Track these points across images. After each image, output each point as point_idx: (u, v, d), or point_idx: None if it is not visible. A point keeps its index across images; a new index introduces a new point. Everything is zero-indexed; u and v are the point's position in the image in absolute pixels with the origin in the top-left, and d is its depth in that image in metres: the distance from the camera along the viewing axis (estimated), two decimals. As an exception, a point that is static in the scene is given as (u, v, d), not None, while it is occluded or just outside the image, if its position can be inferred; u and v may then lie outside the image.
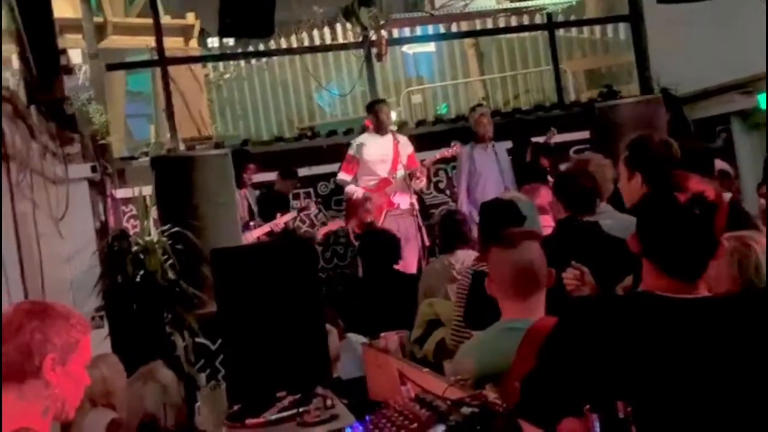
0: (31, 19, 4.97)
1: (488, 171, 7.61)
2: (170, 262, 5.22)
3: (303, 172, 8.08)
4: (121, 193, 7.34)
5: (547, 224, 3.89)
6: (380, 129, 7.43)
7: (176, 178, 5.48)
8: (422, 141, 8.09)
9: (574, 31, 11.17)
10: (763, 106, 7.68)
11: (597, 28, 11.18)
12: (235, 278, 3.45)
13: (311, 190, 8.22)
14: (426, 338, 3.50)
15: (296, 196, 8.09)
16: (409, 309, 4.44)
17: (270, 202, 7.66)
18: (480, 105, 8.44)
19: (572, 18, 10.18)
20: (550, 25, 9.19)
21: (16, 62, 4.97)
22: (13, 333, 1.94)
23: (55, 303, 2.11)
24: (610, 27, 10.87)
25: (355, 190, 7.49)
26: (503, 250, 2.71)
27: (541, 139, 7.87)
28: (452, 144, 7.62)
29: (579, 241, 3.15)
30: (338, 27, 11.02)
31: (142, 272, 5.22)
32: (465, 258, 4.38)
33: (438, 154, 7.66)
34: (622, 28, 10.16)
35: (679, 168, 3.77)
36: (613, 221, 3.52)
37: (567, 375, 1.94)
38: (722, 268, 2.44)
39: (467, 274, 3.62)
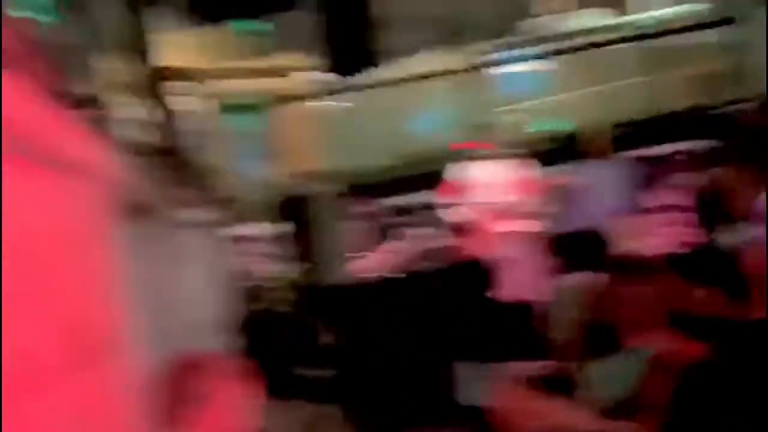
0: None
1: (606, 189, 7.40)
2: (293, 297, 5.39)
3: (406, 200, 8.16)
4: (238, 231, 7.59)
5: (654, 246, 3.83)
6: (484, 154, 7.42)
7: (296, 216, 5.67)
8: (528, 161, 8.02)
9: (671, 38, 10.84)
10: None
11: (694, 34, 10.82)
12: (356, 313, 3.56)
13: (413, 218, 8.28)
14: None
15: (401, 225, 8.15)
16: (521, 338, 4.40)
17: (381, 233, 7.78)
18: (589, 124, 8.33)
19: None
20: (649, 34, 8.95)
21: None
22: (168, 384, 2.05)
23: (204, 354, 2.22)
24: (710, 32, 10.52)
25: (461, 215, 7.47)
26: (635, 284, 2.70)
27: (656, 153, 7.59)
28: (567, 174, 7.48)
29: (706, 263, 3.08)
30: (437, 53, 11.08)
31: (266, 306, 5.40)
32: (590, 280, 4.32)
33: (555, 180, 7.51)
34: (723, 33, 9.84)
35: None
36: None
37: (715, 414, 1.89)
38: None
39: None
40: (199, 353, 2.35)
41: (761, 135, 5.66)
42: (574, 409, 2.49)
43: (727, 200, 3.55)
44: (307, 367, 5.36)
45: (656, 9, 6.59)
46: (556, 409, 2.41)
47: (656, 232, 4.44)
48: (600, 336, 3.44)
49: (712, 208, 3.52)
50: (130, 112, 5.09)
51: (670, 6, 6.76)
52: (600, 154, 7.54)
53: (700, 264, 3.29)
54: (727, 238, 3.53)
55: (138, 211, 3.47)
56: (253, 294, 5.49)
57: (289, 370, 5.35)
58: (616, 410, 2.67)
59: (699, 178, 3.97)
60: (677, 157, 7.59)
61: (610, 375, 2.78)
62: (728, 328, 2.24)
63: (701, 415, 1.93)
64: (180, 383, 2.11)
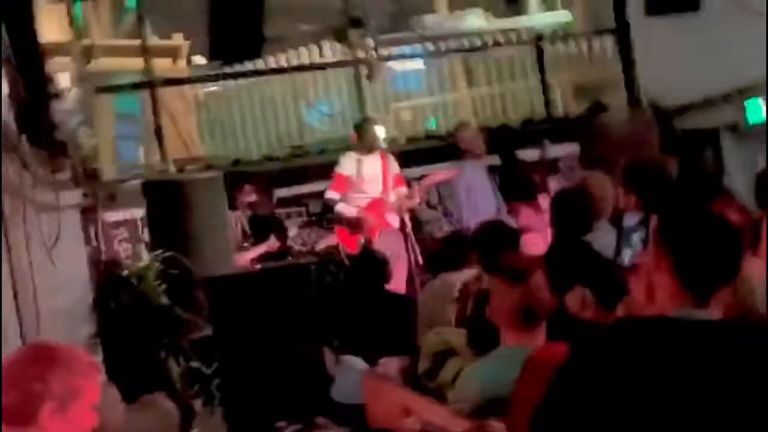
0: (19, 45, 4.94)
1: (480, 187, 7.60)
2: (163, 287, 5.19)
3: (294, 191, 8.05)
4: (111, 216, 7.28)
5: (531, 242, 3.90)
6: (368, 147, 7.40)
7: (168, 201, 5.46)
8: (412, 157, 8.08)
9: (561, 45, 11.19)
10: (751, 119, 7.71)
11: (584, 42, 11.21)
12: (232, 304, 3.44)
13: (303, 209, 8.19)
14: (435, 371, 3.46)
15: (288, 216, 8.07)
16: (402, 332, 4.40)
17: (261, 223, 7.62)
18: (465, 122, 8.44)
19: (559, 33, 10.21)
20: (538, 39, 9.22)
21: (5, 91, 4.93)
22: (14, 380, 1.92)
23: (62, 346, 2.10)
24: (597, 41, 10.91)
25: (346, 209, 7.44)
26: (511, 285, 2.69)
27: (534, 155, 7.82)
28: (454, 167, 7.55)
29: (571, 263, 3.12)
30: (326, 44, 11.01)
31: (135, 298, 5.19)
32: (465, 278, 4.34)
33: (437, 176, 7.57)
34: (610, 41, 10.19)
35: (677, 187, 3.80)
36: (608, 241, 3.53)
37: (583, 411, 1.87)
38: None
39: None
40: (60, 345, 2.20)
41: (619, 141, 5.90)
42: (444, 408, 2.46)
43: (594, 203, 3.63)
44: (176, 360, 5.19)
45: (535, 14, 6.74)
46: (426, 407, 2.37)
47: (532, 233, 4.54)
48: (479, 335, 3.45)
49: (581, 210, 3.59)
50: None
51: (549, 11, 6.93)
52: (480, 154, 7.65)
53: (573, 265, 3.33)
54: (596, 239, 3.60)
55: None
56: (123, 282, 5.26)
57: (158, 361, 5.17)
58: (488, 409, 2.66)
59: (571, 181, 4.10)
60: (559, 160, 7.79)
61: (484, 374, 2.77)
62: (593, 330, 2.25)
63: (566, 417, 1.92)
64: (37, 377, 1.96)
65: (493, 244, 3.46)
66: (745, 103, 7.83)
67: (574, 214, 3.59)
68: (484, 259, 3.58)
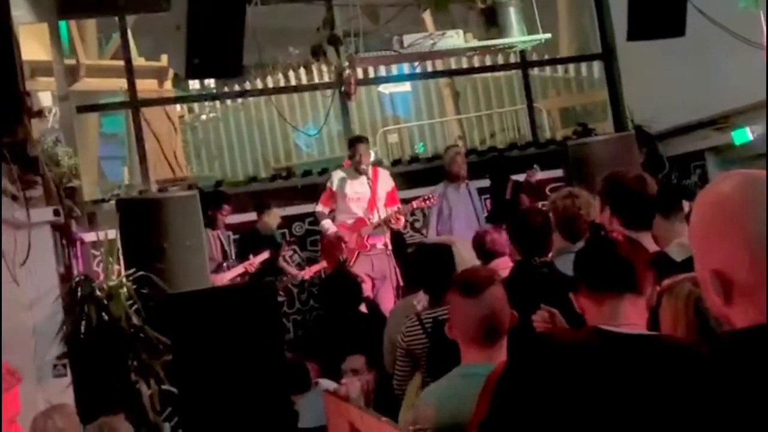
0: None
1: (460, 210, 7.56)
2: (135, 307, 5.09)
3: (278, 212, 7.97)
4: (90, 236, 7.21)
5: (502, 266, 3.83)
6: (357, 166, 7.34)
7: (142, 220, 5.38)
8: (399, 180, 8.03)
9: (548, 70, 11.23)
10: (737, 142, 7.69)
11: (571, 67, 11.25)
12: (193, 323, 3.36)
13: (286, 231, 8.12)
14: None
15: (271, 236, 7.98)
16: (371, 351, 4.32)
17: (247, 243, 7.55)
18: (455, 145, 8.43)
19: (546, 57, 10.23)
20: (524, 64, 9.22)
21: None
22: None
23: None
24: (584, 65, 10.94)
25: (329, 227, 7.38)
26: (466, 298, 2.63)
27: (521, 177, 7.79)
28: (430, 195, 7.52)
29: (534, 283, 3.06)
30: (314, 67, 11.03)
31: (105, 318, 5.09)
32: (424, 299, 4.29)
33: (415, 203, 7.54)
34: (596, 66, 10.21)
35: (650, 205, 3.75)
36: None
37: (518, 421, 1.83)
38: (677, 312, 2.36)
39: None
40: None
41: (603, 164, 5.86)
42: (395, 428, 2.38)
43: (552, 222, 3.57)
44: (146, 382, 5.08)
45: (512, 36, 6.74)
46: (374, 426, 2.29)
47: (504, 257, 4.48)
48: (442, 353, 3.37)
49: (535, 230, 3.53)
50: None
51: (524, 34, 6.93)
52: (463, 177, 7.62)
53: (534, 285, 3.26)
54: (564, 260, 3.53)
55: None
56: (93, 301, 5.16)
57: (128, 383, 5.06)
58: (448, 429, 2.57)
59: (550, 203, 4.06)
60: (551, 184, 7.74)
61: (441, 394, 2.69)
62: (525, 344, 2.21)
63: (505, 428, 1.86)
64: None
65: (426, 266, 3.42)
66: (731, 131, 7.82)
67: (528, 231, 3.54)
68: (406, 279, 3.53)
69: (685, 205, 3.64)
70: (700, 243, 1.33)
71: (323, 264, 7.54)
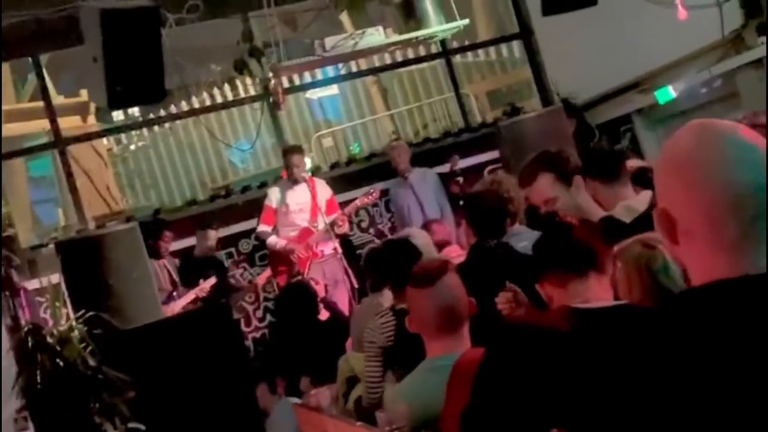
0: None
1: (406, 203, 7.62)
2: (89, 348, 4.98)
3: (222, 232, 7.89)
4: (33, 284, 7.03)
5: (454, 254, 3.85)
6: (294, 177, 7.31)
7: (84, 260, 5.26)
8: (338, 183, 8.02)
9: (470, 55, 11.32)
10: (661, 101, 7.86)
11: (492, 50, 11.37)
12: (152, 357, 3.30)
13: (233, 249, 8.04)
14: (348, 395, 3.39)
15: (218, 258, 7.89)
16: (335, 358, 4.30)
17: (191, 269, 7.44)
18: (396, 139, 8.49)
19: (466, 43, 10.31)
20: (446, 52, 9.28)
21: None
22: None
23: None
24: (504, 46, 11.06)
25: (276, 242, 7.34)
26: (421, 290, 2.63)
27: (446, 168, 7.84)
28: (371, 191, 7.55)
29: (492, 265, 3.09)
30: (239, 82, 10.94)
31: (61, 364, 4.97)
32: (389, 296, 4.28)
33: (358, 201, 7.56)
34: (516, 45, 10.34)
35: (587, 173, 3.81)
36: (529, 241, 3.48)
37: (504, 407, 1.84)
38: (630, 275, 2.40)
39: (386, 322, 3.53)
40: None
41: (536, 141, 5.95)
42: (374, 429, 2.37)
43: (504, 201, 3.60)
44: (112, 422, 4.98)
45: (431, 26, 6.78)
46: (357, 431, 2.28)
47: (449, 246, 4.51)
48: (406, 349, 3.37)
49: (492, 208, 3.56)
50: None
51: (442, 23, 6.98)
52: (405, 169, 7.67)
53: (494, 266, 3.28)
54: (518, 240, 3.56)
55: None
56: (46, 349, 5.03)
57: (93, 426, 4.95)
58: (422, 424, 2.57)
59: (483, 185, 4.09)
60: (488, 167, 7.78)
61: (410, 390, 2.69)
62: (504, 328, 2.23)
63: (490, 418, 1.86)
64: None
65: (392, 260, 3.43)
66: (655, 92, 7.98)
67: (485, 212, 3.56)
68: (391, 277, 3.53)
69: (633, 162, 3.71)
70: (656, 185, 1.36)
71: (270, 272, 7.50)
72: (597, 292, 2.14)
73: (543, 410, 1.80)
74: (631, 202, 3.61)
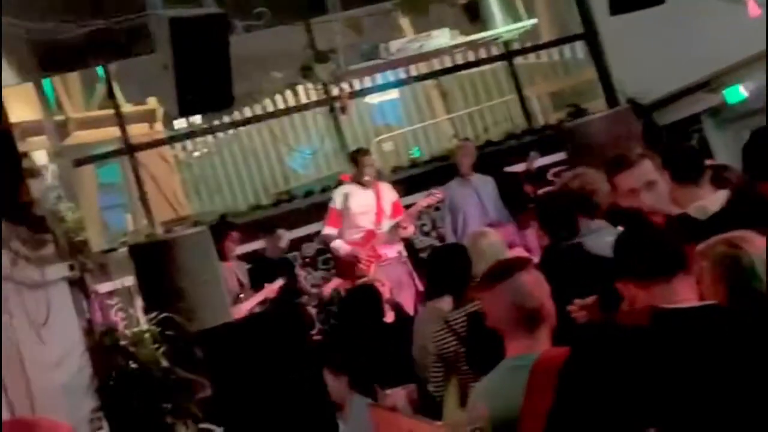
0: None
1: (466, 204, 7.57)
2: (162, 350, 5.08)
3: (285, 234, 7.95)
4: (104, 287, 7.18)
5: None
6: (360, 180, 7.34)
7: (156, 263, 5.37)
8: (399, 187, 8.03)
9: (532, 56, 11.21)
10: (731, 101, 7.68)
11: (555, 51, 11.24)
12: (227, 357, 3.34)
13: (296, 253, 8.11)
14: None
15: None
16: (403, 361, 4.28)
17: (262, 270, 7.53)
18: (465, 139, 8.48)
19: (528, 44, 10.22)
20: (508, 54, 9.22)
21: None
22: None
23: (40, 420, 2.00)
24: (567, 47, 10.93)
25: (340, 246, 7.38)
26: (494, 285, 2.61)
27: (521, 168, 7.76)
28: (433, 191, 7.54)
29: (565, 267, 3.03)
30: (300, 88, 11.03)
31: (134, 365, 5.08)
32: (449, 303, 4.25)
33: (421, 203, 7.56)
34: (579, 46, 10.20)
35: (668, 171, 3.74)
36: (613, 237, 3.43)
37: (593, 407, 1.82)
38: (715, 275, 2.34)
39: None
40: (37, 419, 2.11)
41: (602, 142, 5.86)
42: (451, 430, 2.35)
43: (577, 200, 3.55)
44: (184, 423, 5.06)
45: (497, 27, 6.75)
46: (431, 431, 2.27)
47: (516, 248, 4.48)
48: (485, 349, 3.34)
49: (562, 210, 3.52)
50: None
51: (507, 24, 6.93)
52: (468, 171, 7.64)
53: (564, 268, 3.23)
54: (593, 239, 3.50)
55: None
56: (120, 350, 5.14)
57: (165, 427, 5.04)
58: (502, 424, 2.55)
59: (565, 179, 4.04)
60: (552, 169, 7.70)
61: (490, 389, 2.67)
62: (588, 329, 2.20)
63: (576, 418, 1.84)
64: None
65: (444, 268, 3.42)
66: (724, 91, 7.81)
67: (557, 213, 3.51)
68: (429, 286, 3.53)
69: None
70: None
71: (338, 281, 7.53)
72: (683, 293, 2.10)
73: (635, 409, 1.78)
74: (705, 202, 3.55)
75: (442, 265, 4.25)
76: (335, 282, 7.60)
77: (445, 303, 4.31)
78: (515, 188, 7.73)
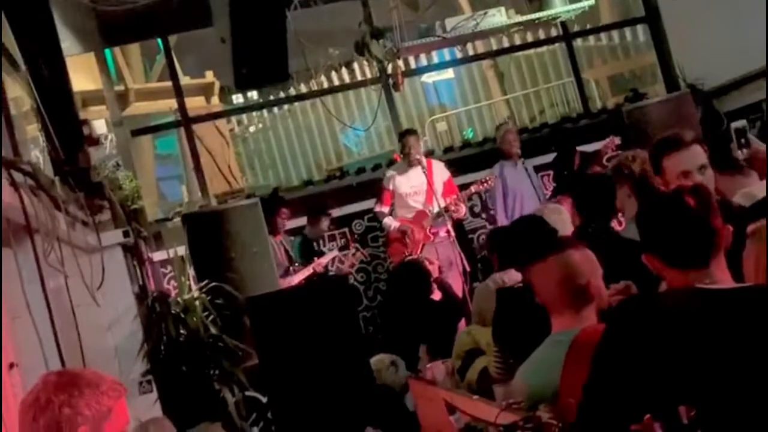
0: (50, 94, 5.03)
1: (522, 187, 7.52)
2: (211, 317, 5.18)
3: (336, 212, 8.02)
4: (158, 255, 7.34)
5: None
6: (409, 159, 7.35)
7: (208, 233, 5.47)
8: (452, 167, 8.00)
9: (591, 39, 11.05)
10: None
11: (615, 34, 11.06)
12: (273, 325, 3.40)
13: (346, 230, 8.16)
14: (466, 368, 3.38)
15: (332, 238, 8.04)
16: (448, 336, 4.30)
17: (310, 246, 7.62)
18: (504, 123, 8.36)
19: (588, 26, 10.07)
20: (567, 36, 9.08)
21: (40, 138, 5.02)
22: (42, 409, 1.90)
23: (84, 371, 2.07)
24: (627, 30, 10.75)
25: (391, 223, 7.43)
26: (545, 259, 2.61)
27: (598, 147, 7.57)
28: (487, 177, 7.50)
29: (593, 250, 2.98)
30: (356, 66, 11.05)
31: (184, 331, 5.19)
32: (517, 277, 4.23)
33: (473, 187, 7.52)
34: (640, 29, 10.03)
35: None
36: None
37: (623, 384, 1.82)
38: (760, 257, 2.30)
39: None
40: (82, 370, 2.18)
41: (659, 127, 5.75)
42: (490, 403, 2.37)
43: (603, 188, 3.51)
44: (231, 389, 5.16)
45: (554, 7, 6.62)
46: (470, 404, 2.29)
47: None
48: (502, 331, 3.35)
49: (599, 194, 3.48)
50: (35, 136, 4.86)
51: (566, 3, 6.80)
52: (516, 154, 7.57)
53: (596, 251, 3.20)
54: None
55: (31, 233, 3.27)
56: (171, 316, 5.26)
57: (213, 393, 5.15)
58: (541, 399, 2.56)
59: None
60: (606, 152, 7.54)
61: (538, 363, 2.68)
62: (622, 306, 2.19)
63: (610, 393, 1.84)
64: (65, 403, 1.93)
65: (527, 237, 3.38)
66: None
67: (593, 196, 3.48)
68: (522, 255, 3.47)
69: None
70: None
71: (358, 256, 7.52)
72: (716, 273, 2.07)
73: (668, 386, 1.77)
74: (752, 189, 3.50)
75: (526, 235, 4.12)
76: (353, 259, 7.55)
77: (509, 276, 4.28)
78: (582, 169, 7.57)
